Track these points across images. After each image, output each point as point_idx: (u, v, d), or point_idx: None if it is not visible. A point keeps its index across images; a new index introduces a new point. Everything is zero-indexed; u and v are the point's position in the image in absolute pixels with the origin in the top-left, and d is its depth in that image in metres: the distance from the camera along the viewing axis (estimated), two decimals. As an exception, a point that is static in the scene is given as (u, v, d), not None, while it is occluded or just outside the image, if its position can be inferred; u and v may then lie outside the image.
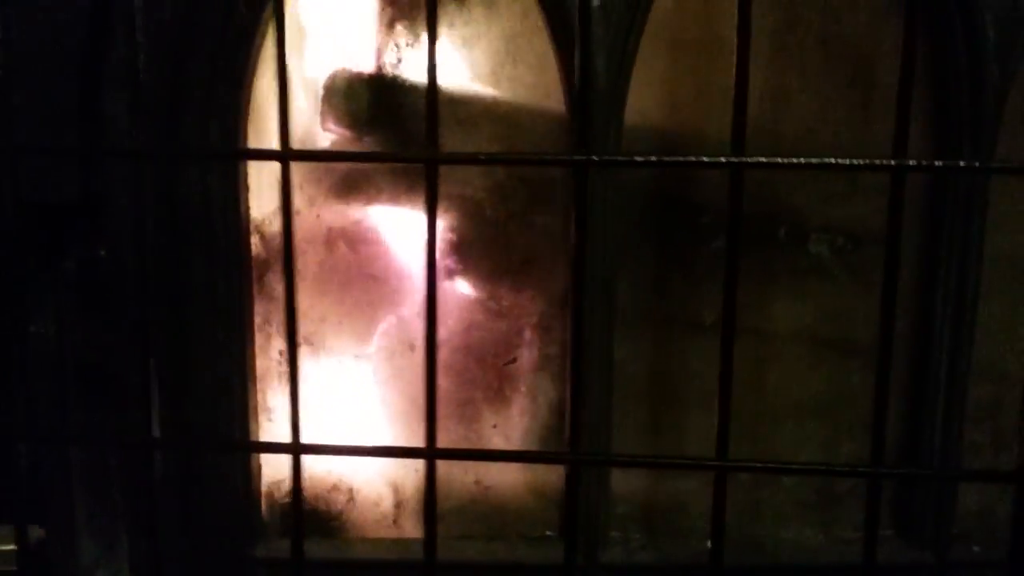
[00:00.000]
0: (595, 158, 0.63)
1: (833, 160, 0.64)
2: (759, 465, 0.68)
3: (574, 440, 0.66)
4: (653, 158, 0.62)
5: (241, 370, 1.15)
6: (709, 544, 1.21)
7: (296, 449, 0.68)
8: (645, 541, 1.21)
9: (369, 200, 1.18)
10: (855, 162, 0.64)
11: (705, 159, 0.63)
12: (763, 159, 0.63)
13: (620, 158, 0.64)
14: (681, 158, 0.64)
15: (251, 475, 1.18)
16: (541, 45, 1.14)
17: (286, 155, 0.64)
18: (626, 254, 1.17)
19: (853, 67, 1.14)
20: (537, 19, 1.13)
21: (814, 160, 0.64)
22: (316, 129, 1.18)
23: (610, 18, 1.06)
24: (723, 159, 0.63)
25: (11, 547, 1.74)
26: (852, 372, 1.19)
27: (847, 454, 1.20)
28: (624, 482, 1.20)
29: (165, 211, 1.09)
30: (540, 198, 1.17)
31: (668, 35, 1.13)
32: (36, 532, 1.75)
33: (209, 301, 1.12)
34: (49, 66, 1.06)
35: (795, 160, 0.63)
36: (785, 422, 1.18)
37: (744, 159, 0.62)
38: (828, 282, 1.18)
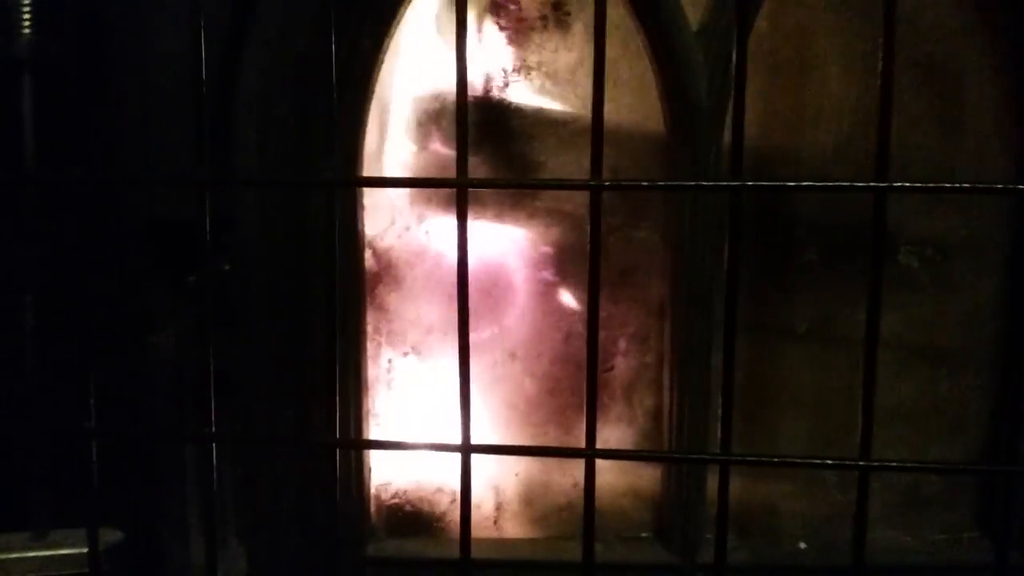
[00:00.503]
0: (745, 183, 0.68)
1: (966, 184, 0.69)
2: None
3: (725, 440, 0.71)
4: (804, 183, 0.67)
5: (356, 377, 1.21)
6: (801, 545, 1.27)
7: (467, 449, 0.73)
8: (739, 542, 1.26)
9: (475, 216, 1.24)
10: (988, 185, 0.70)
11: (851, 183, 0.68)
12: (906, 183, 0.68)
13: (769, 184, 0.70)
14: (827, 183, 0.69)
15: (362, 477, 1.24)
16: (640, 68, 1.20)
17: (464, 183, 0.70)
18: (722, 267, 1.22)
19: (942, 86, 1.19)
20: (637, 44, 1.19)
21: (951, 184, 0.69)
22: (412, 149, 1.24)
23: (710, 44, 1.12)
24: (868, 184, 0.68)
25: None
26: (940, 379, 1.24)
27: (935, 458, 1.24)
28: (716, 485, 1.25)
29: (289, 229, 1.16)
30: (639, 213, 1.23)
31: (762, 55, 1.19)
32: (114, 535, 1.82)
33: (328, 314, 1.18)
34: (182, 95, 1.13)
35: (935, 184, 0.68)
36: (877, 429, 1.22)
37: (889, 184, 0.67)
38: (917, 292, 1.22)
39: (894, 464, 0.67)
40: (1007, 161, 1.21)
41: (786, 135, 1.20)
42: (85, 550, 1.74)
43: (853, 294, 1.23)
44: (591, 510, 0.72)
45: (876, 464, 0.66)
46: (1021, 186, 0.69)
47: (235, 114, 1.13)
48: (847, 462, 0.68)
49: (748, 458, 0.67)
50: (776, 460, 0.71)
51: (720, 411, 0.73)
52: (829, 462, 0.67)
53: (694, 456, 0.80)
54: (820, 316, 1.23)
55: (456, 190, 0.71)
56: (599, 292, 0.71)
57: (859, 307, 1.24)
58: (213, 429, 0.76)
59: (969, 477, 1.25)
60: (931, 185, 0.68)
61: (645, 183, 0.68)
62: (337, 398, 0.76)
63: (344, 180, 0.79)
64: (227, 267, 1.22)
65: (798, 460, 0.68)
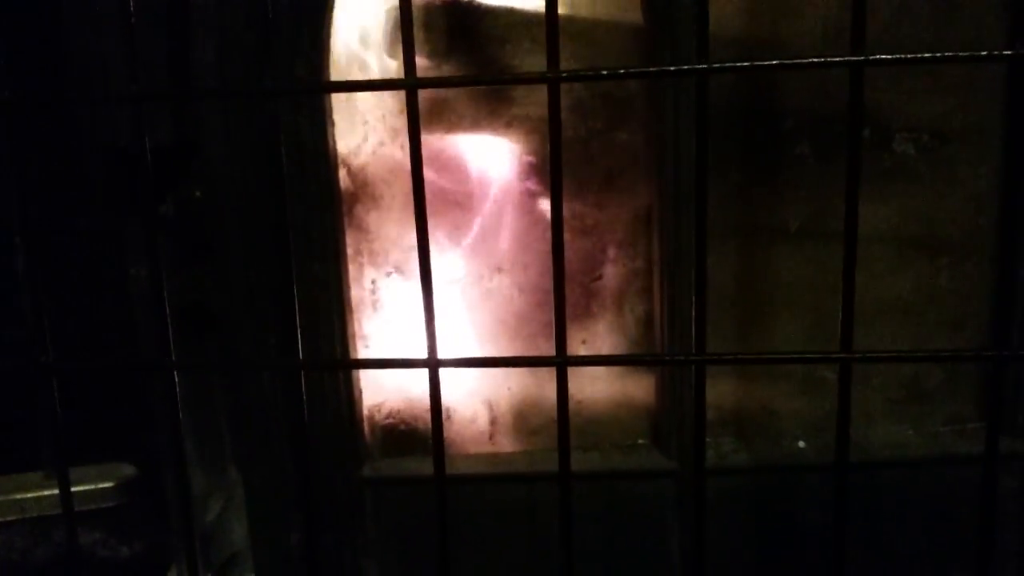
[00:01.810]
0: (712, 65, 0.63)
1: (951, 54, 0.65)
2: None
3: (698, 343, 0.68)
4: (775, 62, 0.63)
5: (338, 300, 1.19)
6: (800, 444, 1.25)
7: (433, 363, 0.71)
8: (738, 444, 1.25)
9: (451, 127, 1.20)
10: (973, 54, 0.64)
11: (826, 59, 0.64)
12: (882, 56, 0.63)
13: (739, 64, 0.65)
14: (800, 60, 0.64)
15: (354, 399, 1.23)
16: (615, -41, 1.14)
17: (414, 83, 0.65)
18: (709, 165, 1.17)
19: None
20: (611, -68, 1.13)
21: (934, 55, 0.64)
22: (383, 60, 1.19)
23: (687, -74, 1.06)
24: (842, 58, 0.63)
25: (107, 484, 1.83)
26: (940, 270, 1.20)
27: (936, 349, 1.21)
28: (713, 389, 1.23)
29: (256, 151, 1.12)
30: (621, 114, 1.18)
31: (744, -60, 1.12)
32: (128, 470, 1.84)
33: (303, 235, 1.15)
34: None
35: (916, 56, 0.64)
36: (874, 323, 1.19)
37: (865, 57, 0.62)
38: (914, 181, 1.18)
39: (875, 355, 0.64)
40: (1004, 41, 1.15)
41: (772, 23, 1.14)
42: (100, 485, 1.77)
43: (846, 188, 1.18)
44: (565, 418, 0.70)
45: (857, 356, 0.63)
46: (1000, 52, 0.64)
47: (192, 32, 1.09)
48: (828, 355, 0.65)
49: (724, 357, 0.64)
50: (751, 357, 0.68)
51: (698, 313, 0.69)
52: (809, 356, 0.64)
53: (668, 358, 0.78)
54: (812, 212, 1.19)
55: (405, 92, 0.67)
56: (562, 194, 0.67)
57: (858, 199, 1.21)
58: (173, 358, 0.74)
59: (971, 367, 1.22)
60: (908, 56, 0.63)
61: (605, 71, 0.63)
62: (297, 320, 0.73)
63: (287, 87, 0.75)
64: (198, 194, 1.19)
65: (775, 355, 0.65)
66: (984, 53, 0.63)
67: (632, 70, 0.63)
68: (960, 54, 0.63)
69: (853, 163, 0.63)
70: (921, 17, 1.15)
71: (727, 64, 0.63)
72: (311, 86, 1.06)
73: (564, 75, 0.63)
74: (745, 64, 0.64)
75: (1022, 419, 1.20)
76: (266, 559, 1.24)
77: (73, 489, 1.54)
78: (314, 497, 1.23)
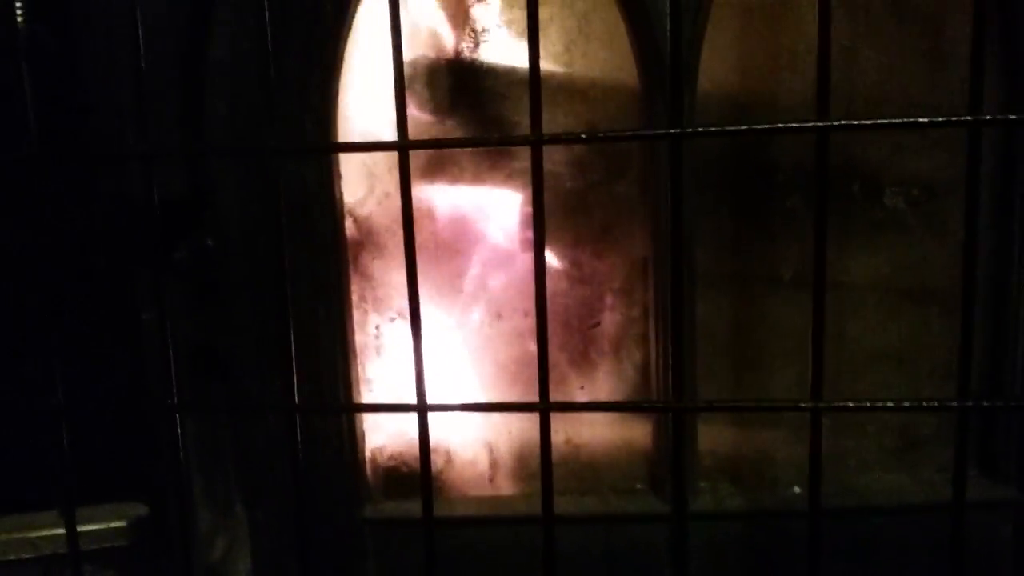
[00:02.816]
0: (686, 130, 0.67)
1: (912, 120, 0.68)
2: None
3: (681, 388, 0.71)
4: (744, 127, 0.66)
5: (342, 344, 1.23)
6: (796, 490, 1.27)
7: (422, 408, 0.74)
8: (733, 489, 1.27)
9: (454, 180, 1.24)
10: (933, 120, 0.68)
11: (792, 124, 0.67)
12: (847, 122, 0.67)
13: (711, 128, 0.69)
14: (768, 125, 0.68)
15: (356, 441, 1.26)
16: (612, 21, 1.19)
17: (405, 145, 0.70)
18: (703, 216, 1.21)
19: (921, 24, 1.16)
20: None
21: (896, 120, 0.68)
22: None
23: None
24: (809, 123, 0.67)
25: (120, 523, 1.86)
26: (931, 320, 1.22)
27: (928, 398, 1.23)
28: (710, 435, 1.25)
29: (265, 202, 1.17)
30: (617, 168, 1.22)
31: (736, 1, 1.17)
32: (140, 510, 1.87)
33: (310, 282, 1.19)
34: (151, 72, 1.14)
35: (878, 121, 0.67)
36: (866, 372, 1.21)
37: (830, 122, 0.66)
38: (904, 233, 1.21)
39: (845, 404, 0.66)
40: (990, 97, 1.18)
41: (762, 80, 1.19)
42: (111, 524, 1.80)
43: (839, 238, 1.21)
44: (548, 463, 0.73)
45: (824, 406, 0.66)
46: (967, 118, 0.67)
47: (205, 87, 1.14)
48: (798, 404, 0.68)
49: (699, 405, 0.67)
50: (726, 405, 0.71)
51: (675, 361, 0.72)
52: (778, 405, 0.67)
53: (647, 404, 0.80)
54: (805, 262, 1.21)
55: (397, 152, 0.71)
56: (544, 247, 0.71)
57: (845, 251, 1.24)
58: (175, 400, 0.78)
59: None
60: (871, 122, 0.66)
61: (583, 135, 0.67)
62: (293, 364, 0.77)
63: (290, 147, 0.80)
64: (210, 242, 1.23)
65: (749, 404, 0.68)
66: (941, 119, 0.66)
67: (610, 133, 0.67)
68: (919, 120, 0.66)
69: (820, 223, 0.66)
70: (911, 75, 1.18)
71: (700, 129, 0.67)
72: (312, 146, 1.12)
73: (546, 139, 0.67)
74: (714, 129, 0.68)
75: (1014, 466, 1.21)
76: (269, 597, 1.27)
77: (85, 528, 1.57)
78: (315, 537, 1.26)
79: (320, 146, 1.13)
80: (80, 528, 1.61)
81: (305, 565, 0.86)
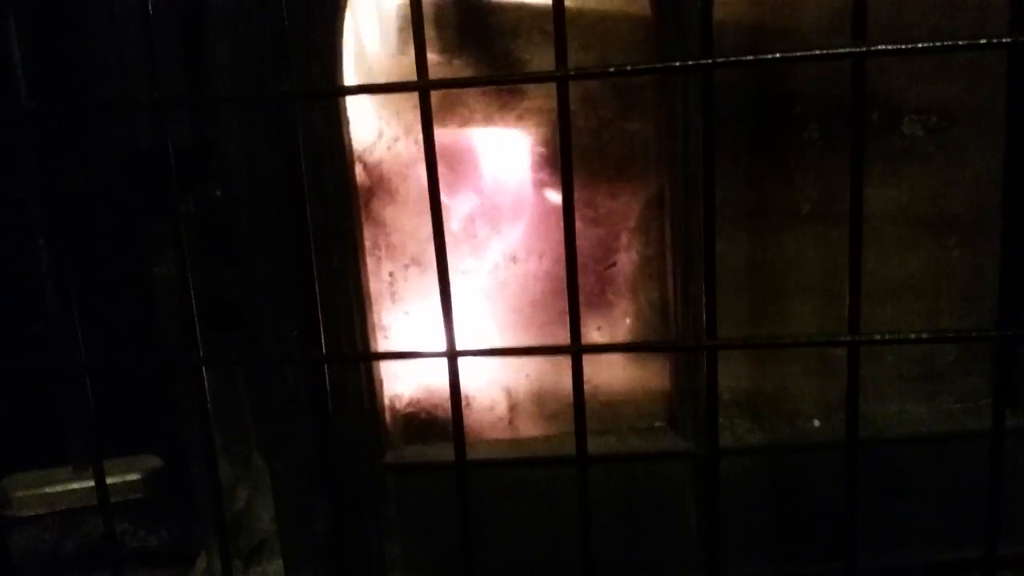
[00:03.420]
0: (716, 60, 0.65)
1: (952, 43, 0.66)
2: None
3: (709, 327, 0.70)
4: (777, 55, 0.64)
5: (357, 293, 1.21)
6: (815, 423, 1.27)
7: (452, 354, 0.74)
8: (752, 425, 1.27)
9: (464, 122, 1.22)
10: (972, 42, 0.66)
11: (826, 51, 0.65)
12: (884, 47, 0.65)
13: (744, 58, 0.66)
14: (800, 53, 0.66)
15: (375, 389, 1.26)
16: (622, -50, 1.15)
17: (425, 85, 0.68)
18: (717, 150, 1.19)
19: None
20: (617, -76, 1.14)
21: (935, 44, 0.65)
22: (396, 58, 1.21)
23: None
24: (844, 50, 0.65)
25: (135, 476, 1.87)
26: (950, 249, 1.21)
27: (948, 328, 1.23)
28: (726, 371, 1.25)
29: (273, 149, 1.14)
30: (630, 104, 1.19)
31: (749, -73, 1.13)
32: (154, 462, 1.87)
33: (323, 230, 1.18)
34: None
35: (916, 45, 0.65)
36: (885, 303, 1.21)
37: (866, 48, 0.64)
38: (923, 162, 1.19)
39: (881, 337, 0.66)
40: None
41: (780, 10, 1.15)
42: (126, 478, 1.81)
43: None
44: (581, 405, 0.72)
45: (863, 339, 0.65)
46: (999, 40, 0.65)
47: (208, 34, 1.11)
48: (836, 338, 0.67)
49: (734, 342, 0.66)
50: (762, 342, 0.70)
51: (708, 299, 0.71)
52: (816, 340, 0.66)
53: (680, 345, 0.80)
54: (822, 195, 1.20)
55: (418, 93, 0.69)
56: (572, 186, 0.69)
57: (865, 182, 1.22)
58: (200, 354, 0.77)
59: (983, 345, 1.24)
60: (908, 47, 0.64)
61: (612, 68, 0.65)
62: (320, 314, 0.76)
63: (304, 92, 0.77)
64: (218, 193, 1.21)
65: (784, 341, 0.67)
66: (983, 41, 0.64)
67: (639, 67, 0.65)
68: (959, 43, 0.64)
69: (857, 151, 0.65)
70: (928, 2, 1.15)
71: (730, 59, 0.65)
72: (327, 90, 1.08)
73: (572, 73, 0.65)
74: (748, 59, 0.65)
75: (1031, 394, 1.21)
76: (293, 545, 1.28)
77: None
78: (339, 485, 1.26)
79: (336, 90, 1.10)
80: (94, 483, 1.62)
81: (334, 513, 0.86)
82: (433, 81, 0.68)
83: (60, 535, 1.77)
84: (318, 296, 0.80)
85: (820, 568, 1.26)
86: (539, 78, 0.85)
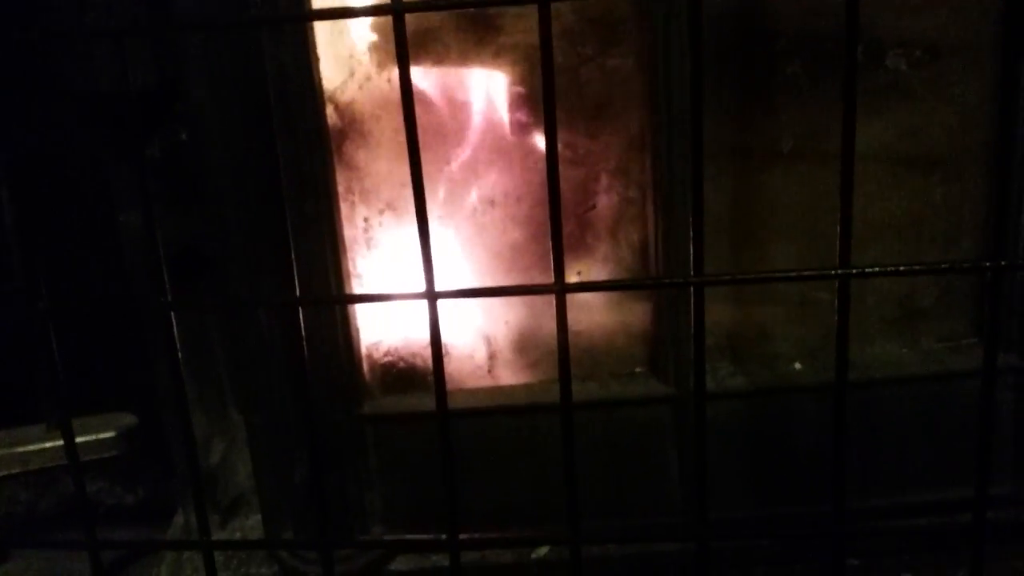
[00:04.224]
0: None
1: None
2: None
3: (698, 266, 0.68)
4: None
5: (331, 238, 1.18)
6: (797, 366, 1.26)
7: (432, 295, 0.71)
8: (734, 368, 1.26)
9: (439, 59, 1.18)
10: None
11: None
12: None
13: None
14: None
15: (351, 337, 1.23)
16: None
17: (400, 8, 0.64)
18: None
19: None
20: None
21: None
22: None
23: None
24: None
25: (110, 434, 1.83)
26: (933, 187, 1.20)
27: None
28: (709, 314, 1.23)
29: (240, 89, 1.10)
30: (611, 39, 1.16)
31: None
32: (129, 419, 1.84)
33: (294, 174, 1.14)
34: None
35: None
36: (867, 243, 1.19)
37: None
38: (907, 98, 1.17)
39: (872, 270, 0.64)
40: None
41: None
42: (100, 436, 1.77)
43: (839, 107, 1.17)
44: (565, 346, 0.70)
45: (855, 271, 0.63)
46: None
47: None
48: (825, 271, 0.65)
49: (721, 277, 0.64)
50: (750, 277, 0.68)
51: (695, 234, 0.69)
52: (806, 273, 0.64)
53: (668, 281, 0.78)
54: (806, 133, 1.18)
55: (393, 18, 0.65)
56: (555, 121, 0.66)
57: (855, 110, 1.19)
58: (168, 297, 0.74)
59: (965, 285, 1.23)
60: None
61: (595, -9, 0.62)
62: (292, 256, 0.73)
63: (272, 16, 0.73)
64: (184, 136, 1.17)
65: (773, 275, 0.65)
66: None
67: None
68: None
69: (849, 82, 0.62)
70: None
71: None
72: (294, 15, 1.04)
73: (555, -5, 0.62)
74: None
75: (1015, 333, 1.21)
76: (271, 498, 1.26)
77: (76, 440, 1.54)
78: (316, 436, 1.24)
79: (304, 15, 1.05)
80: (70, 440, 1.58)
81: (312, 465, 0.84)
82: (408, 4, 0.64)
83: (35, 495, 1.74)
84: (291, 242, 0.77)
85: (803, 511, 1.26)
86: (518, 0, 0.81)
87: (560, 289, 0.67)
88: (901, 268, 0.63)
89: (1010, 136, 0.64)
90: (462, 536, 0.75)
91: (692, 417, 0.76)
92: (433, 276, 0.71)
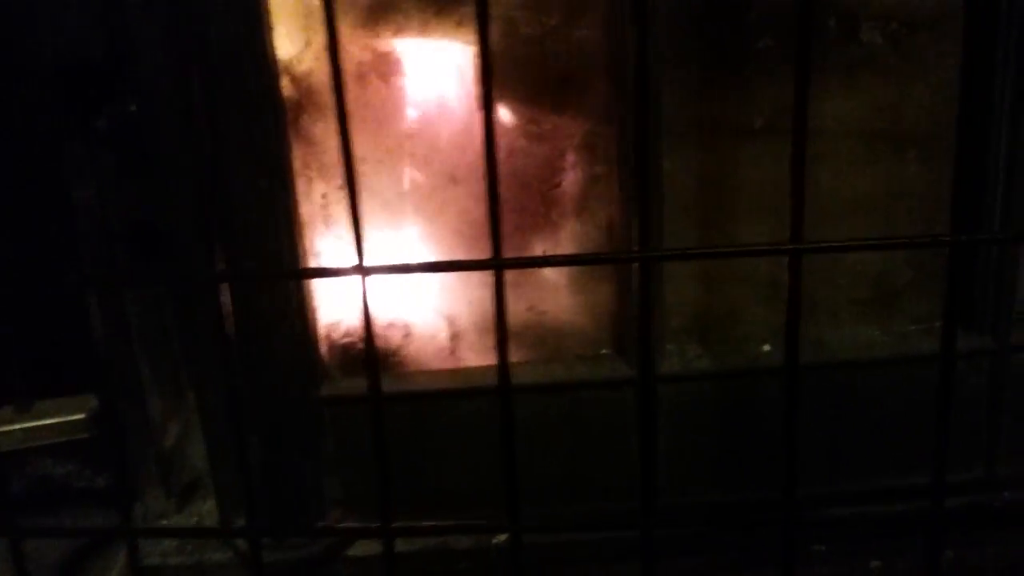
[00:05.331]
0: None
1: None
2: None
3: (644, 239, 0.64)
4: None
5: (287, 215, 1.14)
6: (765, 348, 1.23)
7: (363, 271, 0.67)
8: (701, 350, 1.23)
9: (398, 30, 1.14)
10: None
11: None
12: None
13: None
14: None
15: (308, 317, 1.19)
16: None
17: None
18: (668, 63, 1.12)
19: None
20: None
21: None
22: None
23: None
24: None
25: (79, 416, 1.80)
26: (908, 163, 1.16)
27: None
28: (676, 295, 1.20)
29: (189, 60, 1.06)
30: (577, 8, 1.12)
31: None
32: (91, 402, 1.81)
33: (247, 148, 1.10)
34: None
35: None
36: (842, 220, 1.15)
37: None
38: (881, 72, 1.13)
39: (826, 244, 0.60)
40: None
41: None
42: (69, 418, 1.74)
43: (813, 78, 1.12)
44: (503, 323, 0.67)
45: (804, 247, 0.60)
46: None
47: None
48: (779, 247, 0.61)
49: (671, 252, 0.60)
50: (699, 251, 0.65)
51: (642, 208, 0.65)
52: (759, 248, 0.61)
53: (611, 255, 0.74)
54: (777, 109, 1.14)
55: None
56: (491, 72, 0.62)
57: (820, 93, 1.15)
58: (117, 270, 0.70)
59: (940, 265, 1.20)
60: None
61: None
62: (207, 230, 0.69)
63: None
64: (133, 108, 1.13)
65: (725, 250, 0.62)
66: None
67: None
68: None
69: (803, 47, 0.58)
70: None
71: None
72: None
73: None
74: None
75: (990, 316, 1.18)
76: (226, 481, 1.23)
77: (44, 422, 1.51)
78: (272, 418, 1.21)
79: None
80: (38, 422, 1.55)
81: (267, 448, 0.80)
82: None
83: (4, 477, 1.71)
84: (235, 217, 0.73)
85: (768, 496, 1.23)
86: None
87: (498, 264, 0.64)
88: (856, 243, 0.59)
89: (971, 110, 0.61)
90: (396, 524, 0.72)
91: (649, 395, 0.73)
92: (363, 249, 0.67)
